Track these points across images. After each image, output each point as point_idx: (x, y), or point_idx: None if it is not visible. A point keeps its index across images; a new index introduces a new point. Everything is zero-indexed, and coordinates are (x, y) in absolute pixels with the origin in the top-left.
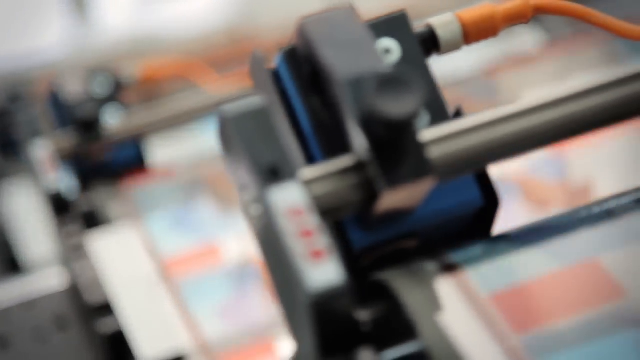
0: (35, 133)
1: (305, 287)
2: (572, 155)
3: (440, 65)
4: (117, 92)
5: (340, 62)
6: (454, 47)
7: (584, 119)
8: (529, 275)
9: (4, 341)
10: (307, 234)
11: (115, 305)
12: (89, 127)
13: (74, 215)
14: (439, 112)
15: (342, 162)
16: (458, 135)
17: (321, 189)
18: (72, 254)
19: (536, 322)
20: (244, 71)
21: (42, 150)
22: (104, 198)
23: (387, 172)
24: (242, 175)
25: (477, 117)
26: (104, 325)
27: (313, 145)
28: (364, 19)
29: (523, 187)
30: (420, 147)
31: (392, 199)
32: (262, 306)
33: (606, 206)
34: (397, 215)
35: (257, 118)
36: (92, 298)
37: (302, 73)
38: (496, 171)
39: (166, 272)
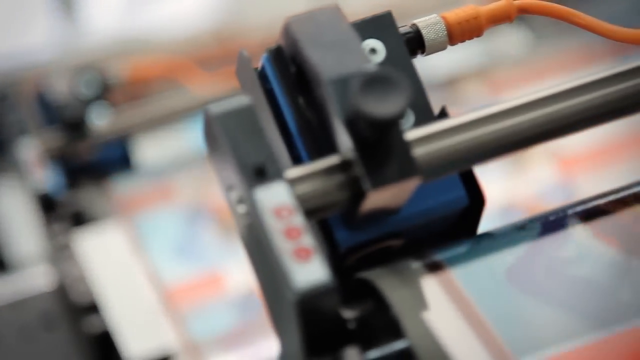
0: (23, 133)
1: (291, 286)
2: (580, 180)
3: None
4: (105, 92)
5: (326, 62)
6: (439, 47)
7: (568, 118)
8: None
9: None
10: (293, 233)
11: (102, 305)
12: (75, 127)
13: (61, 214)
14: (424, 113)
15: (328, 162)
16: (444, 135)
17: (307, 188)
18: (59, 254)
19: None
20: (232, 70)
21: (30, 150)
22: (91, 197)
23: (372, 172)
24: (228, 175)
25: (462, 117)
26: (91, 325)
27: (299, 145)
28: (349, 19)
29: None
30: (406, 147)
31: (377, 199)
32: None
33: (589, 204)
34: (382, 215)
35: (243, 117)
36: (79, 298)
37: (288, 73)
38: (505, 198)
39: (169, 300)
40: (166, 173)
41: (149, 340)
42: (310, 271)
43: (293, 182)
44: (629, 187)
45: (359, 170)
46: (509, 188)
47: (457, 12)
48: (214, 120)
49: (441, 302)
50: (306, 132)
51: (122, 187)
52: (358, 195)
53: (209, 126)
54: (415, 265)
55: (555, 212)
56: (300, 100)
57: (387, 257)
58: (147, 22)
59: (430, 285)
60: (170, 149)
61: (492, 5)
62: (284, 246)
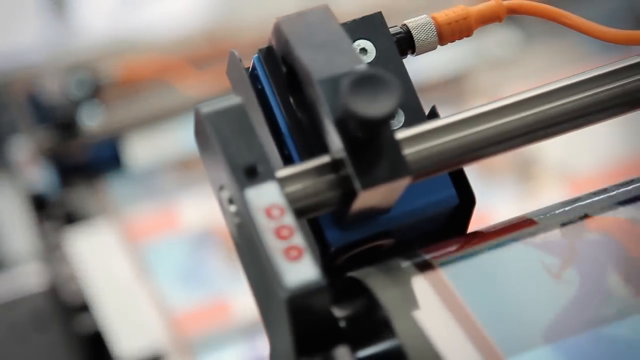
0: (15, 132)
1: (282, 285)
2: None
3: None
4: (96, 92)
5: (317, 62)
6: (429, 47)
7: (558, 117)
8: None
9: None
10: (283, 233)
11: (94, 305)
12: (67, 127)
13: (53, 214)
14: (414, 113)
15: (319, 162)
16: (434, 135)
17: (298, 188)
18: (51, 253)
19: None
20: (223, 69)
21: (22, 150)
22: (82, 196)
23: (363, 172)
24: (219, 174)
25: (453, 117)
26: (83, 325)
27: (290, 145)
28: (339, 20)
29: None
30: (396, 147)
31: (368, 199)
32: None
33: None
34: (373, 214)
35: (234, 116)
36: (70, 298)
37: (278, 73)
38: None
39: (176, 328)
40: (171, 195)
41: (140, 340)
42: (301, 270)
43: (284, 181)
44: None
45: (349, 170)
46: (520, 210)
47: (447, 13)
48: (204, 120)
49: (432, 301)
50: (297, 132)
51: (117, 194)
52: (349, 195)
53: (199, 125)
54: (406, 264)
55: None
56: (291, 101)
57: (378, 257)
58: (139, 22)
59: (421, 285)
60: (162, 148)
61: (482, 6)
62: (275, 245)
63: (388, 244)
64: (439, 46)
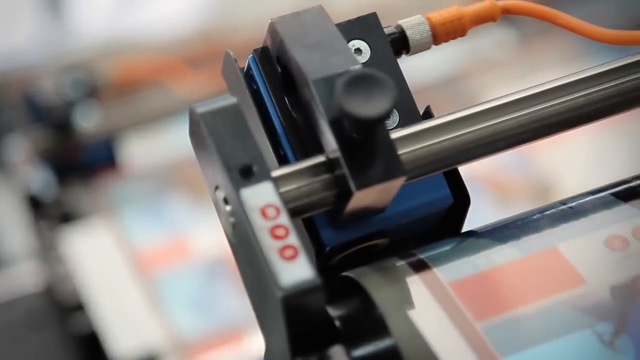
0: (11, 132)
1: (277, 285)
2: (537, 154)
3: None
4: (92, 92)
5: (311, 62)
6: (423, 47)
7: (553, 117)
8: (492, 265)
9: None
10: (279, 232)
11: (89, 305)
12: (63, 127)
13: (49, 213)
14: (409, 113)
15: (314, 162)
16: (429, 135)
17: (293, 188)
18: (47, 253)
19: (500, 309)
20: (219, 69)
21: (18, 150)
22: (78, 196)
23: (358, 172)
24: (214, 174)
25: (447, 117)
26: (78, 325)
27: (285, 145)
28: (334, 20)
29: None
30: (391, 147)
31: (363, 199)
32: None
33: (568, 202)
34: (368, 214)
35: (229, 116)
36: (66, 297)
37: (274, 73)
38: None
39: (141, 266)
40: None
41: (136, 340)
42: (296, 270)
43: (279, 181)
44: None
45: (344, 170)
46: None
47: (441, 13)
48: (199, 119)
49: (426, 300)
50: (292, 132)
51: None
52: (344, 194)
53: (194, 125)
54: (401, 264)
55: (533, 211)
56: (287, 101)
57: (373, 256)
58: (135, 23)
59: (416, 284)
60: (158, 148)
61: (476, 6)
62: (270, 245)
63: (383, 243)
64: (433, 46)
